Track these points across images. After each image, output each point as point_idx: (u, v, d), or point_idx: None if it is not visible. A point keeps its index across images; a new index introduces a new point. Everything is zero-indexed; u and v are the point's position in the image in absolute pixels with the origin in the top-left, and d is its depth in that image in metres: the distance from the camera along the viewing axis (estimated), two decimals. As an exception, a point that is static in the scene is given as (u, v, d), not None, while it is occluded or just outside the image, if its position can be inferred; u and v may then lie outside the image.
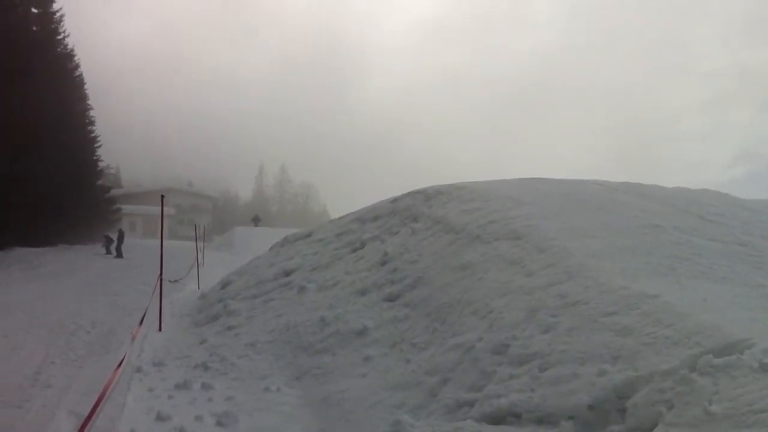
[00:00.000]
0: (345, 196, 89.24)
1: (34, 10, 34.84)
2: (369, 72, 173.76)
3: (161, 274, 12.77)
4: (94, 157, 43.91)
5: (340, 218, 17.24)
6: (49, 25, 36.94)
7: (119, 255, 32.62)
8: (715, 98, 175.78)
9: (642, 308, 5.67)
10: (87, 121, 42.80)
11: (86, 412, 5.86)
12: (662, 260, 7.28)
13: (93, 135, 43.43)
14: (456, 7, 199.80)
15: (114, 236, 35.10)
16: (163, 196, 13.53)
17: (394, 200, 14.87)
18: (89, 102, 43.71)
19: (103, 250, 33.94)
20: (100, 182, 46.14)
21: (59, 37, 38.14)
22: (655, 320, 5.36)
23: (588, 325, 5.78)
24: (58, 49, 38.09)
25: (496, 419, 5.26)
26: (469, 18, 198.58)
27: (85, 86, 42.90)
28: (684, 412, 4.05)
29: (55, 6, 37.16)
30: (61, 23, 38.03)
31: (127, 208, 58.95)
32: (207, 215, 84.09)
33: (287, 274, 13.18)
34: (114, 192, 53.91)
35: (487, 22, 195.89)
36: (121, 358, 7.35)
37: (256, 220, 58.32)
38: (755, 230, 9.03)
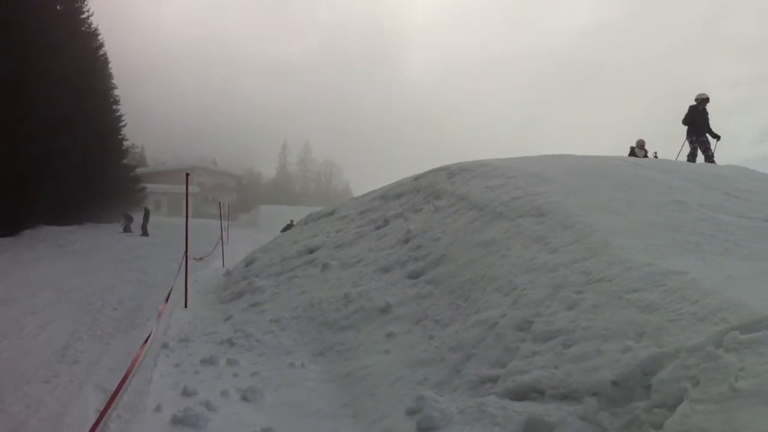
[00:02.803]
0: (368, 174, 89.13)
1: (57, -12, 35.00)
2: (400, 52, 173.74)
3: (186, 252, 12.87)
4: (119, 136, 44.23)
5: (363, 196, 17.26)
6: (74, 4, 37.12)
7: (145, 233, 32.93)
8: (745, 74, 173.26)
9: (667, 285, 5.62)
10: (111, 100, 43.02)
11: (113, 388, 5.97)
12: (687, 237, 7.22)
13: (118, 114, 43.69)
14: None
15: (133, 214, 35.41)
16: (188, 174, 13.55)
17: (417, 177, 14.86)
18: (114, 81, 43.95)
19: (122, 228, 34.21)
20: (125, 161, 46.48)
21: (83, 16, 38.36)
22: (681, 297, 5.31)
23: (612, 302, 5.75)
24: (82, 28, 38.29)
25: (520, 395, 5.27)
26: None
27: (110, 66, 43.14)
28: (710, 389, 4.03)
29: (79, -15, 37.41)
30: (85, 2, 38.24)
31: (152, 186, 59.44)
32: (231, 193, 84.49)
33: (311, 251, 13.24)
34: (139, 171, 54.29)
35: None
36: (148, 334, 7.45)
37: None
38: (783, 206, 8.91)
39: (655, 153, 19.60)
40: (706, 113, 17.80)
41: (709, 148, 17.71)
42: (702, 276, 5.69)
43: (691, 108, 17.87)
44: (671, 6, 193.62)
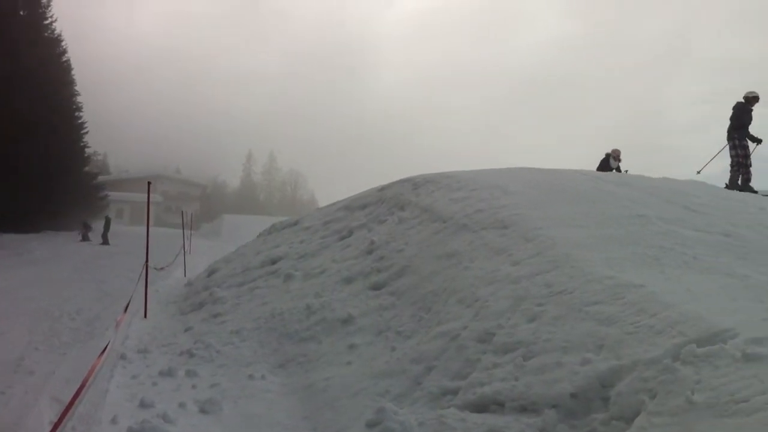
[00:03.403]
0: (334, 185, 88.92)
1: (21, -6, 34.58)
2: (369, 64, 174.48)
3: (147, 261, 12.72)
4: (81, 143, 43.62)
5: (328, 206, 17.24)
6: (37, 9, 36.69)
7: (105, 242, 32.49)
8: (707, 92, 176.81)
9: (627, 298, 5.67)
10: (74, 107, 42.47)
11: (69, 399, 5.84)
12: (647, 250, 7.29)
13: (80, 121, 43.13)
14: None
15: (93, 223, 34.90)
16: (149, 183, 13.43)
17: (382, 189, 14.86)
18: (77, 88, 43.41)
19: (79, 237, 33.63)
20: (87, 168, 45.86)
21: (47, 21, 37.91)
22: (640, 310, 5.36)
23: (573, 315, 5.78)
24: (45, 34, 37.84)
25: (480, 407, 5.26)
26: (467, 11, 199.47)
27: (73, 72, 42.61)
28: (666, 401, 4.06)
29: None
30: (49, 8, 37.84)
31: (114, 194, 58.74)
32: (195, 202, 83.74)
33: (274, 261, 13.15)
34: (101, 178, 53.61)
35: (483, 15, 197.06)
36: (105, 345, 7.32)
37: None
38: (740, 221, 9.04)
39: (626, 170, 19.50)
40: (752, 113, 16.32)
41: (749, 155, 16.34)
42: (661, 289, 5.75)
43: (739, 105, 16.37)
44: (636, 24, 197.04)
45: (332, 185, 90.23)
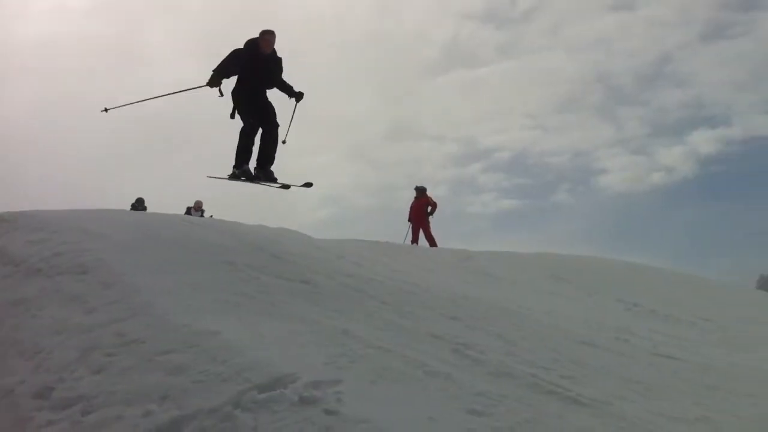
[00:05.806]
0: None
1: None
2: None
3: None
4: None
5: None
6: None
7: None
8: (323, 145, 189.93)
9: (201, 345, 5.56)
10: None
11: None
12: (230, 297, 7.30)
13: None
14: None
15: None
16: None
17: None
18: None
19: None
20: None
21: None
22: (211, 357, 5.27)
23: (142, 365, 5.47)
24: None
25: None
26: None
27: None
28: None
29: None
30: None
31: None
32: None
33: None
34: None
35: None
36: None
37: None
38: (320, 268, 9.56)
39: (211, 215, 20.37)
40: None
41: None
42: (235, 336, 5.75)
43: None
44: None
45: None
